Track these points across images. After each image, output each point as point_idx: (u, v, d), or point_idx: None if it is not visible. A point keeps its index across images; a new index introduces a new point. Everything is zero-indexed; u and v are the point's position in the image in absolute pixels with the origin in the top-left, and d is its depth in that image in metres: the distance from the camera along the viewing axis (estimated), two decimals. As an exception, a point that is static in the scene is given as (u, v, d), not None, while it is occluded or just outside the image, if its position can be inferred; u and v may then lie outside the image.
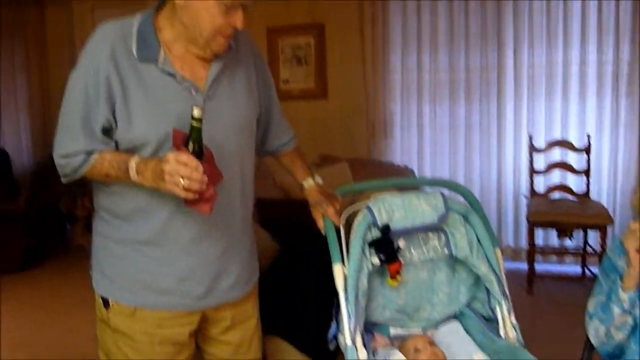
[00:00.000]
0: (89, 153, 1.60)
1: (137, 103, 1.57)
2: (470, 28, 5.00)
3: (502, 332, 1.94)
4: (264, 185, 3.87)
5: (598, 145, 4.75)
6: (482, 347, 1.94)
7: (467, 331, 2.04)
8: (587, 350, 2.01)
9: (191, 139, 1.48)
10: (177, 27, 1.61)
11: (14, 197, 5.63)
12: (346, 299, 1.79)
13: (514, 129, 4.99)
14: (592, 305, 1.94)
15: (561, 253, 4.82)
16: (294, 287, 2.84)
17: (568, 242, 4.67)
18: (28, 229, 5.54)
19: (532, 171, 4.71)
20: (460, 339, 2.01)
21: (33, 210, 5.59)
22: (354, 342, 1.75)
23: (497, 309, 1.96)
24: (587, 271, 4.57)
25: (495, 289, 1.95)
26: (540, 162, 4.75)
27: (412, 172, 5.06)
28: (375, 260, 1.89)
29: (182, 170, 1.43)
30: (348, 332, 1.76)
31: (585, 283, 4.47)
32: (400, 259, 1.94)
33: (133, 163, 1.54)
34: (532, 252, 4.37)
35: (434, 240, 2.02)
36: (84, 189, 5.35)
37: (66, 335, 3.94)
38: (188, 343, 1.77)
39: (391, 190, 2.13)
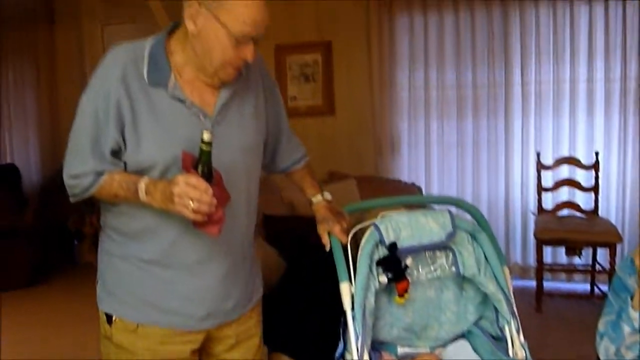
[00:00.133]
0: (98, 174, 1.62)
1: (146, 127, 1.59)
2: (477, 45, 5.02)
3: (510, 352, 1.92)
4: (271, 202, 3.88)
5: (606, 163, 4.73)
6: (490, 366, 1.93)
7: (475, 350, 2.02)
8: (597, 369, 1.99)
9: (201, 162, 1.49)
10: (188, 53, 1.62)
11: (22, 212, 5.66)
12: (353, 317, 1.79)
13: (521, 146, 4.98)
14: (602, 324, 1.93)
15: (570, 271, 4.79)
16: (300, 304, 2.83)
17: (577, 260, 4.64)
18: (36, 245, 5.56)
19: (540, 188, 4.69)
20: (468, 358, 2.00)
21: (41, 226, 5.62)
22: (361, 360, 1.74)
23: (506, 328, 1.95)
24: (596, 289, 4.54)
25: (503, 307, 1.94)
26: (548, 179, 4.74)
27: (419, 189, 5.05)
28: (383, 279, 1.89)
29: (192, 193, 1.44)
30: (355, 351, 1.75)
31: (594, 301, 4.43)
32: (408, 277, 1.93)
33: (142, 184, 1.56)
34: (541, 269, 4.34)
35: (442, 259, 2.02)
36: (92, 207, 5.36)
37: (71, 352, 3.92)
38: None
39: (399, 208, 2.12)
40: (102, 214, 1.79)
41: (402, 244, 1.90)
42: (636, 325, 1.80)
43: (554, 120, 4.89)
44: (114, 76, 1.58)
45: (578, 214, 4.63)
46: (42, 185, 6.14)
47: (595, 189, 4.57)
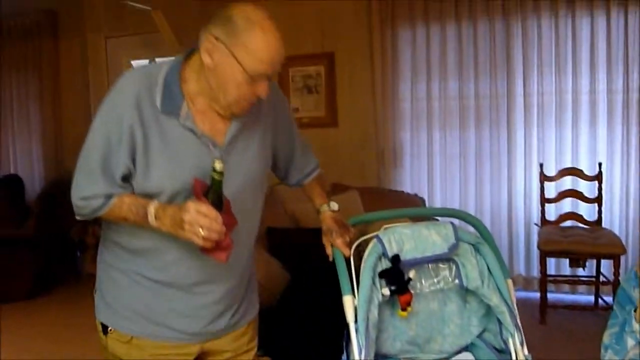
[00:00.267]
0: (108, 196, 1.62)
1: (157, 154, 1.59)
2: (479, 56, 5.03)
3: (514, 365, 1.91)
4: (274, 214, 3.88)
5: (609, 174, 4.73)
6: (494, 379, 1.92)
7: (479, 363, 2.01)
8: (602, 382, 1.98)
9: (211, 191, 1.52)
10: (202, 83, 1.62)
11: (24, 222, 5.65)
12: (356, 330, 1.78)
13: (524, 157, 4.98)
14: (607, 336, 1.92)
15: (574, 282, 4.76)
16: (303, 316, 2.83)
17: (580, 271, 4.62)
18: (38, 255, 5.54)
19: (543, 199, 4.68)
20: (472, 371, 1.99)
21: (42, 237, 5.60)
22: (364, 374, 1.74)
23: (510, 340, 1.94)
24: (600, 301, 4.52)
25: (507, 320, 1.93)
26: (551, 190, 4.73)
27: (422, 200, 5.05)
28: (386, 291, 1.88)
29: (202, 221, 1.47)
30: (358, 364, 1.74)
31: (598, 313, 4.41)
32: (411, 290, 1.93)
33: (152, 208, 1.57)
34: (544, 281, 4.32)
35: (445, 271, 2.01)
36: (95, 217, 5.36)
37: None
38: None
39: (402, 220, 2.12)
40: (103, 228, 1.80)
41: (405, 256, 1.90)
42: (639, 337, 1.79)
43: (556, 131, 4.88)
44: (128, 102, 1.58)
45: (581, 225, 4.62)
46: (42, 193, 6.10)
47: (598, 200, 4.56)
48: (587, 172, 4.64)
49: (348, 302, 1.82)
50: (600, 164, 4.59)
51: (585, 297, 4.77)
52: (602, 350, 1.92)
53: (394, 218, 2.14)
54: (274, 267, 3.10)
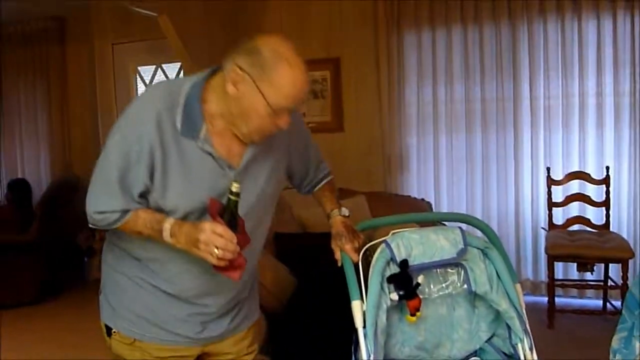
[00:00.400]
0: (125, 212, 1.63)
1: (174, 175, 1.61)
2: (485, 60, 5.02)
3: (523, 370, 1.91)
4: (282, 219, 3.88)
5: (617, 177, 4.71)
6: (503, 385, 1.91)
7: (488, 368, 2.01)
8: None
9: (227, 211, 1.54)
10: (222, 106, 1.62)
11: (28, 227, 5.65)
12: (365, 335, 1.78)
13: (531, 161, 4.97)
14: (615, 341, 1.92)
15: (582, 286, 4.74)
16: (311, 321, 2.82)
17: (588, 275, 4.60)
18: (43, 261, 5.54)
19: (551, 203, 4.67)
20: (481, 377, 1.98)
21: (45, 240, 5.59)
22: (373, 379, 1.73)
23: (519, 345, 1.93)
24: (608, 305, 4.50)
25: (516, 325, 1.93)
26: (558, 194, 4.72)
27: (429, 205, 5.04)
28: (394, 297, 1.88)
29: (218, 241, 1.49)
30: (367, 370, 1.74)
31: (607, 317, 4.38)
32: (419, 295, 1.92)
33: (167, 225, 1.58)
34: (552, 285, 4.31)
35: (453, 276, 2.01)
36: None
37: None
38: None
39: (410, 225, 2.12)
40: (108, 232, 1.81)
41: (414, 261, 1.90)
42: (649, 341, 1.78)
43: (563, 135, 4.87)
44: (149, 121, 1.57)
45: (589, 229, 4.61)
46: (45, 196, 6.09)
47: (606, 203, 4.55)
48: (594, 176, 4.63)
49: (356, 307, 1.82)
50: (607, 168, 4.58)
51: (594, 302, 4.75)
52: (611, 355, 1.91)
53: (401, 223, 2.14)
54: (281, 272, 3.10)
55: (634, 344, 1.82)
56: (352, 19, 5.40)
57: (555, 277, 4.37)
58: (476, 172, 5.13)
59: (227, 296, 1.81)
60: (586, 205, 4.67)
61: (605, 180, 4.55)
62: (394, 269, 1.90)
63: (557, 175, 4.74)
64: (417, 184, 5.32)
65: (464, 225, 2.13)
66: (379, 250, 1.91)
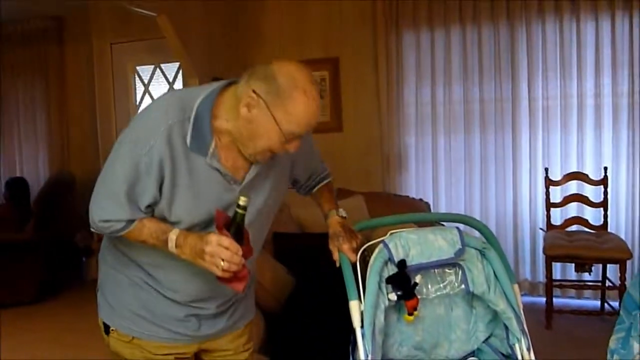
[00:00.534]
0: (130, 221, 1.64)
1: (182, 189, 1.62)
2: (483, 60, 5.03)
3: (521, 370, 1.91)
4: (280, 219, 3.87)
5: (615, 178, 4.72)
6: (501, 385, 1.91)
7: (485, 369, 2.01)
8: (608, 387, 1.97)
9: (234, 224, 1.56)
10: (232, 126, 1.62)
11: (25, 226, 5.65)
12: (363, 335, 1.78)
13: (529, 162, 4.98)
14: (613, 341, 1.91)
15: (580, 287, 4.74)
16: (309, 321, 2.82)
17: (586, 276, 4.60)
18: (41, 260, 5.53)
19: (549, 204, 4.67)
20: (478, 377, 1.99)
21: (41, 238, 5.58)
22: (371, 379, 1.74)
23: (517, 346, 1.93)
24: (606, 305, 4.50)
25: (514, 325, 1.93)
26: (556, 194, 4.73)
27: (427, 205, 5.04)
28: (392, 297, 1.88)
29: (224, 254, 1.51)
30: (365, 370, 1.74)
31: (605, 317, 4.39)
32: (417, 295, 1.92)
33: (173, 235, 1.60)
34: (550, 286, 4.31)
35: (451, 276, 2.01)
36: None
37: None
38: None
39: (408, 226, 2.12)
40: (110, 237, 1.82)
41: (411, 261, 1.90)
42: (646, 342, 1.78)
43: (561, 136, 4.88)
44: (160, 134, 1.57)
45: (587, 229, 4.62)
46: (41, 194, 6.07)
47: (604, 204, 4.56)
48: (592, 177, 4.64)
49: (354, 307, 1.82)
50: (605, 168, 4.58)
51: (592, 302, 4.76)
52: (609, 355, 1.91)
53: (399, 223, 2.14)
54: (279, 272, 3.10)
55: (631, 344, 1.81)
56: (351, 19, 5.41)
57: (553, 277, 4.38)
58: (474, 172, 5.14)
59: (225, 298, 1.83)
60: (584, 205, 4.67)
61: (603, 181, 4.56)
62: (391, 269, 1.90)
63: (555, 175, 4.75)
64: (415, 184, 5.33)
65: (461, 226, 2.13)
66: (377, 250, 1.91)
